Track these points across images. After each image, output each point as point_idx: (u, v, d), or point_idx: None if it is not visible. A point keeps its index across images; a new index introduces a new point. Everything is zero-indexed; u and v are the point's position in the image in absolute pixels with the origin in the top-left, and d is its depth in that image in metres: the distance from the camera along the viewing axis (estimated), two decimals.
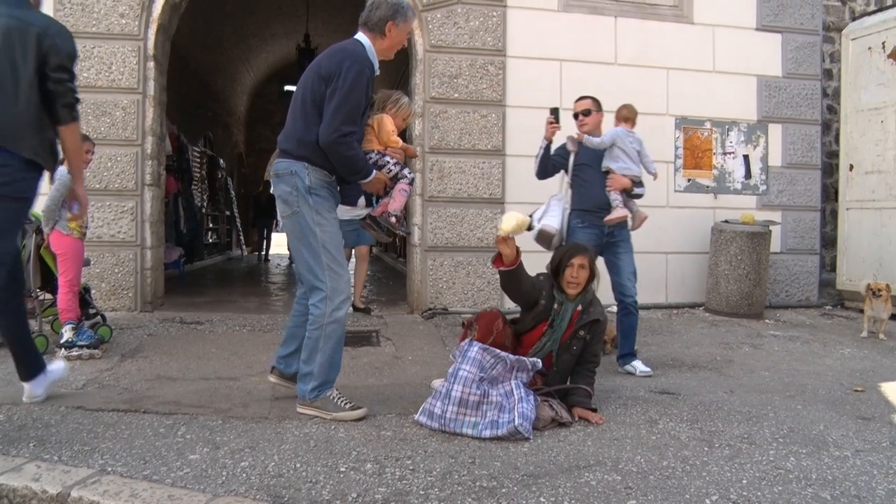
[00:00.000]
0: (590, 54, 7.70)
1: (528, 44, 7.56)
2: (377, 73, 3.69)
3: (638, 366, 4.93)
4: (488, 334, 3.72)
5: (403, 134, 4.25)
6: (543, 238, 5.14)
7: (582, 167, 5.14)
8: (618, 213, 4.98)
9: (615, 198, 5.00)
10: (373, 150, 3.81)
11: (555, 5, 7.66)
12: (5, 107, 3.18)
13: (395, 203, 3.85)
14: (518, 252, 3.73)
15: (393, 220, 3.84)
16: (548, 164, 5.26)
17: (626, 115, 5.18)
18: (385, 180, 3.80)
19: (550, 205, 5.22)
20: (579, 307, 3.89)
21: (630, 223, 5.16)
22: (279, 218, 3.83)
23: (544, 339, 3.85)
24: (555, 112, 5.16)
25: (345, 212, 6.23)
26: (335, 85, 3.45)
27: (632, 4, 7.85)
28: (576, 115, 5.22)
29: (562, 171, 5.29)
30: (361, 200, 5.97)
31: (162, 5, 6.91)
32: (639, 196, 5.19)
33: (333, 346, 3.60)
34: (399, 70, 11.94)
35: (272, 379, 4.01)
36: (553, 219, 5.12)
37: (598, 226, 5.00)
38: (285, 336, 4.00)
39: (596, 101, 5.23)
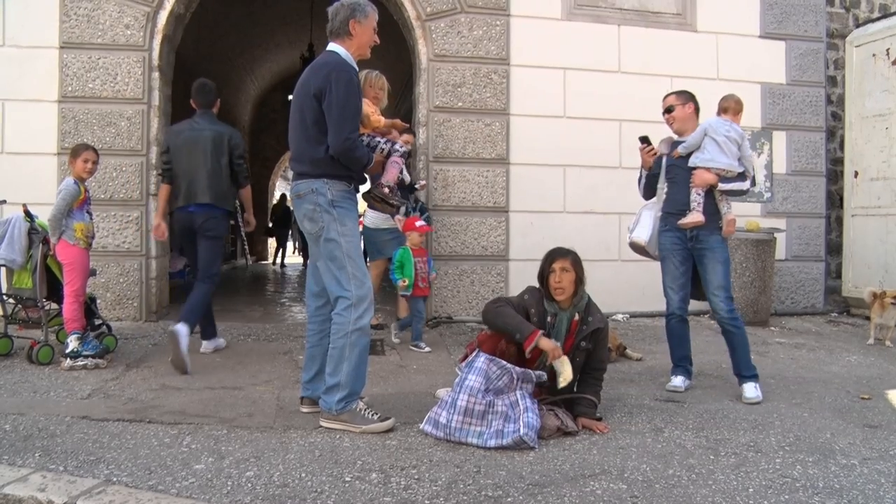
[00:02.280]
0: (594, 62, 7.72)
1: (532, 52, 7.58)
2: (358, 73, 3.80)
3: (746, 390, 4.43)
4: (493, 355, 3.67)
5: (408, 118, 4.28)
6: (636, 250, 4.99)
7: (672, 168, 4.77)
8: (691, 217, 4.53)
9: (695, 197, 4.56)
10: (363, 135, 3.87)
11: (558, 14, 7.68)
12: (219, 182, 5.40)
13: (387, 175, 3.95)
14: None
15: (385, 190, 3.94)
16: (654, 187, 4.93)
17: (726, 106, 4.74)
18: (381, 160, 3.92)
19: (641, 216, 4.99)
20: (576, 317, 3.81)
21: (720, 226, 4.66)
22: (300, 230, 3.91)
23: (545, 355, 3.73)
24: (644, 140, 4.87)
25: (382, 220, 6.22)
26: (330, 98, 3.55)
27: (635, 13, 7.87)
28: (663, 114, 4.87)
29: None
30: (402, 209, 5.98)
31: (166, 16, 6.96)
32: (735, 193, 4.69)
33: (359, 355, 3.61)
34: (403, 79, 11.97)
35: (305, 409, 3.92)
36: (642, 229, 4.90)
37: (680, 229, 4.64)
38: (306, 359, 3.99)
39: (681, 95, 4.81)
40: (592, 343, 3.82)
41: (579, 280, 3.82)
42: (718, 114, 4.74)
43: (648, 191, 5.00)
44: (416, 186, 6.73)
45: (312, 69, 3.72)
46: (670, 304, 4.76)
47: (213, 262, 5.48)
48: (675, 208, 4.68)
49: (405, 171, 6.43)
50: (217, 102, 5.71)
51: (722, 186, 4.57)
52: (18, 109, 6.79)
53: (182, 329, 4.86)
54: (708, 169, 4.55)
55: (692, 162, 4.61)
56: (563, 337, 3.78)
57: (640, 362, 5.59)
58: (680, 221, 4.60)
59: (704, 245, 4.59)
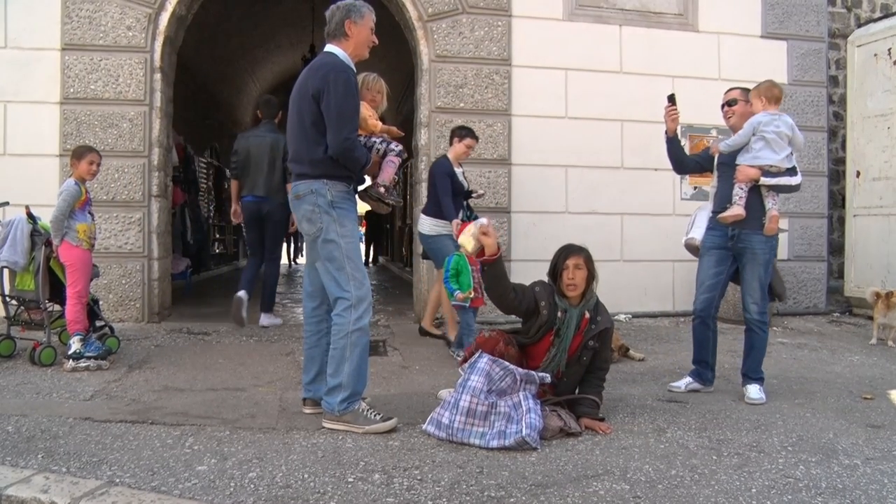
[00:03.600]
0: (595, 63, 7.72)
1: (534, 53, 7.58)
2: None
3: (750, 391, 4.44)
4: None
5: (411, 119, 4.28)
6: (692, 251, 4.96)
7: (721, 166, 4.66)
8: (731, 210, 4.42)
9: (737, 191, 4.42)
10: (360, 136, 3.88)
11: (560, 14, 7.68)
12: (272, 179, 6.71)
13: (383, 174, 3.97)
14: (499, 247, 3.71)
15: (381, 189, 3.96)
16: (681, 157, 4.85)
17: (779, 95, 4.49)
18: (377, 160, 3.95)
19: (696, 217, 4.98)
20: (586, 315, 3.80)
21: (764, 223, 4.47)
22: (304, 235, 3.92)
23: (552, 350, 3.75)
24: (672, 99, 4.74)
25: (441, 226, 6.09)
26: (328, 99, 3.56)
27: (637, 13, 7.87)
28: (722, 106, 4.75)
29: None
30: (460, 213, 5.91)
31: (168, 18, 6.97)
32: (784, 189, 4.53)
33: (360, 355, 3.61)
34: (405, 81, 11.97)
35: (308, 411, 3.92)
36: (697, 230, 4.89)
37: (722, 227, 4.55)
38: (305, 360, 3.99)
39: (745, 91, 4.66)
40: (599, 342, 3.82)
41: (591, 277, 3.83)
42: (763, 106, 4.48)
43: (674, 158, 4.86)
44: (474, 195, 6.53)
45: (310, 70, 3.74)
46: (695, 303, 4.70)
47: (276, 246, 7.08)
48: (721, 206, 4.59)
49: (462, 178, 6.34)
50: (279, 114, 6.76)
51: (765, 181, 4.41)
52: (21, 111, 6.80)
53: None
54: (752, 165, 4.41)
55: (738, 160, 4.49)
56: (572, 334, 3.76)
57: (643, 363, 5.58)
58: (720, 215, 4.51)
59: (745, 244, 4.49)
